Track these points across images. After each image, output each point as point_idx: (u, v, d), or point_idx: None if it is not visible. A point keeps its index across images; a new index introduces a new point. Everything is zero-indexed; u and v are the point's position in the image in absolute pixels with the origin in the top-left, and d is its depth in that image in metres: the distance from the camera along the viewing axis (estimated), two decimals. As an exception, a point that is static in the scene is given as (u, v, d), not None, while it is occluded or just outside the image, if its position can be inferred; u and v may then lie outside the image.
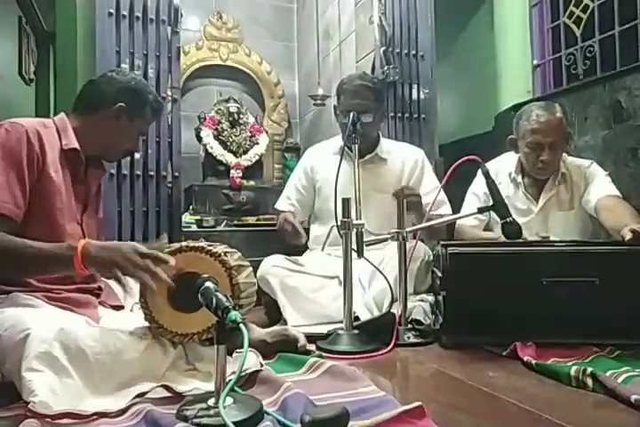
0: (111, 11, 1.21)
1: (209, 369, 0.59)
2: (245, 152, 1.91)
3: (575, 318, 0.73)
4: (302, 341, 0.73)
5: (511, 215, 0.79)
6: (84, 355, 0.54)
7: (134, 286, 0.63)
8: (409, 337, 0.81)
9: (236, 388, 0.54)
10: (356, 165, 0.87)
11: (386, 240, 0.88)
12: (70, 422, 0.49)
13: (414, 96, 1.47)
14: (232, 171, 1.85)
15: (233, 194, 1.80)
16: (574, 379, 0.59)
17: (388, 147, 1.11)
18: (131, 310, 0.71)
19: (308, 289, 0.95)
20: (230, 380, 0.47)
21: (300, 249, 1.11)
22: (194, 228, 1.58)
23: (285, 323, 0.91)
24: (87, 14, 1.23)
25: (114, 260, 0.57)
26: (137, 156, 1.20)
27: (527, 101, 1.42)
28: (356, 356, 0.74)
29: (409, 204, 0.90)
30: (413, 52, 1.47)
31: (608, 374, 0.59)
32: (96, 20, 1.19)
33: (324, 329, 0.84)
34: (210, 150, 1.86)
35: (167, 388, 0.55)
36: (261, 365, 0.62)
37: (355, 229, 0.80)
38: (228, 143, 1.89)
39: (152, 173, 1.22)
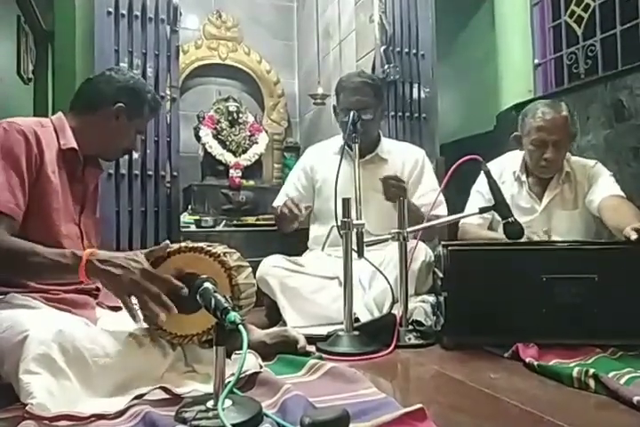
0: (110, 10, 1.20)
1: (208, 371, 0.59)
2: (245, 152, 1.90)
3: (577, 319, 0.73)
4: (302, 342, 0.73)
5: (513, 215, 0.79)
6: (82, 357, 0.54)
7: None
8: (410, 338, 0.81)
9: (235, 390, 0.53)
10: (357, 164, 0.87)
11: (386, 241, 0.87)
12: (68, 424, 0.48)
13: (415, 95, 1.46)
14: (231, 170, 1.84)
15: (232, 194, 1.79)
16: (576, 380, 0.59)
17: (388, 147, 1.11)
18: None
19: (308, 290, 0.95)
20: (229, 382, 0.46)
21: (299, 249, 1.10)
22: (192, 228, 1.57)
23: (285, 324, 0.90)
24: (86, 13, 1.22)
25: (120, 279, 0.56)
26: (135, 155, 1.19)
27: (528, 101, 1.42)
28: (357, 357, 0.74)
29: (394, 190, 0.89)
30: (414, 50, 1.47)
31: (610, 375, 0.58)
32: (95, 19, 1.19)
33: (323, 330, 0.84)
34: (209, 150, 1.86)
35: (166, 390, 0.55)
36: (261, 366, 0.62)
37: (355, 230, 0.80)
38: (228, 143, 1.88)
39: (150, 172, 1.22)
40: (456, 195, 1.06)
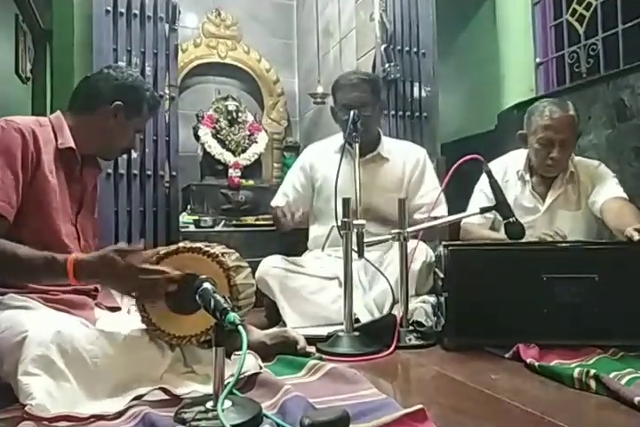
0: (108, 8, 1.19)
1: (207, 372, 0.59)
2: (244, 151, 1.89)
3: (577, 319, 0.73)
4: (302, 343, 0.73)
5: (514, 215, 0.78)
6: (81, 358, 0.54)
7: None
8: (410, 339, 0.81)
9: (235, 391, 0.53)
10: (357, 164, 0.86)
11: (387, 241, 0.87)
12: (67, 424, 0.48)
13: (416, 94, 1.46)
14: (230, 170, 1.84)
15: (231, 193, 1.79)
16: (577, 381, 0.59)
17: (389, 146, 1.11)
18: (127, 312, 0.71)
19: (308, 290, 0.94)
20: (229, 382, 0.46)
21: (299, 250, 1.10)
22: (191, 228, 1.56)
23: (285, 325, 0.90)
24: (84, 12, 1.21)
25: (111, 280, 0.57)
26: (134, 155, 1.19)
27: (530, 100, 1.41)
28: (357, 358, 0.74)
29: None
30: (415, 49, 1.46)
31: (611, 375, 0.58)
32: (93, 18, 1.18)
33: (323, 331, 0.84)
34: (208, 149, 1.85)
35: (165, 390, 0.55)
36: (260, 367, 0.62)
37: (355, 230, 0.80)
38: (227, 142, 1.87)
39: (149, 172, 1.21)
40: (457, 194, 1.05)
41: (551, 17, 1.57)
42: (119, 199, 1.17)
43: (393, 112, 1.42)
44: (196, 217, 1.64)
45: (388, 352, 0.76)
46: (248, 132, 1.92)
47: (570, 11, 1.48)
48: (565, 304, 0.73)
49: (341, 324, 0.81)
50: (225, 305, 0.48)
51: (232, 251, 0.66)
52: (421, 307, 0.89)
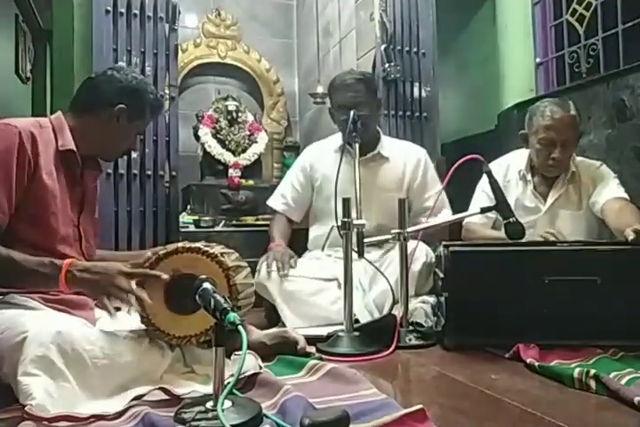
0: (108, 8, 1.19)
1: (207, 372, 0.59)
2: (244, 151, 1.89)
3: (578, 319, 0.73)
4: (302, 343, 0.73)
5: (514, 215, 0.78)
6: (81, 358, 0.54)
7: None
8: (410, 339, 0.81)
9: (235, 391, 0.53)
10: (357, 163, 0.86)
11: (387, 241, 0.87)
12: (67, 424, 0.48)
13: (416, 94, 1.45)
14: (230, 170, 1.84)
15: (231, 193, 1.79)
16: (577, 381, 0.59)
17: (389, 145, 1.10)
18: (127, 313, 0.71)
19: (307, 293, 0.94)
20: (229, 382, 0.46)
21: (299, 250, 1.09)
22: (191, 228, 1.57)
23: (284, 325, 0.90)
24: (84, 12, 1.21)
25: (99, 283, 0.57)
26: (134, 155, 1.18)
27: (530, 100, 1.41)
28: (357, 358, 0.74)
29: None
30: (415, 49, 1.46)
31: (611, 375, 0.58)
32: (93, 18, 1.18)
33: (323, 331, 0.84)
34: (208, 149, 1.85)
35: (165, 390, 0.55)
36: (260, 367, 0.62)
37: (355, 230, 0.79)
38: (227, 142, 1.88)
39: (149, 172, 1.21)
40: (457, 194, 1.05)
41: (551, 17, 1.57)
42: (119, 199, 1.17)
43: (393, 112, 1.42)
44: (196, 217, 1.64)
45: (388, 352, 0.76)
46: (248, 132, 1.92)
47: (570, 11, 1.48)
48: (566, 305, 0.73)
49: (341, 324, 0.81)
50: (225, 305, 0.48)
51: (232, 251, 0.66)
52: (421, 307, 0.89)
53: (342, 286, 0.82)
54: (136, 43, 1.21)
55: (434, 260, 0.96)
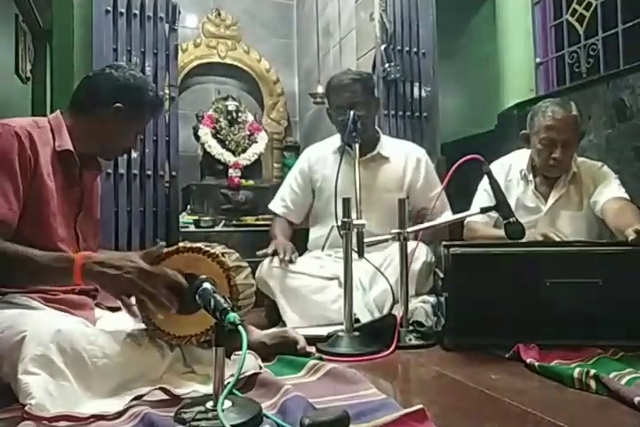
0: (108, 8, 1.20)
1: (207, 372, 0.59)
2: (244, 151, 1.89)
3: (578, 320, 0.73)
4: (302, 343, 0.73)
5: (514, 215, 0.78)
6: (81, 357, 0.54)
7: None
8: (410, 339, 0.81)
9: (235, 391, 0.53)
10: (357, 163, 0.86)
11: (387, 241, 0.87)
12: (67, 424, 0.48)
13: (416, 94, 1.45)
14: (230, 170, 1.84)
15: (231, 193, 1.79)
16: (577, 381, 0.59)
17: (388, 145, 1.11)
18: (127, 312, 0.70)
19: (308, 290, 0.94)
20: (229, 382, 0.46)
21: (299, 250, 1.10)
22: (191, 228, 1.57)
23: (285, 325, 0.90)
24: (84, 12, 1.22)
25: (118, 279, 0.56)
26: (134, 155, 1.19)
27: (530, 100, 1.41)
28: (357, 358, 0.74)
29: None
30: (415, 49, 1.46)
31: (611, 375, 0.58)
32: (93, 18, 1.18)
33: (323, 331, 0.84)
34: (208, 149, 1.85)
35: (165, 390, 0.55)
36: (260, 367, 0.62)
37: (355, 230, 0.80)
38: (227, 142, 1.88)
39: (149, 172, 1.21)
40: (457, 195, 1.05)
41: (551, 17, 1.57)
42: (119, 199, 1.17)
43: (393, 112, 1.42)
44: (196, 217, 1.64)
45: (388, 352, 0.76)
46: (248, 132, 1.92)
47: (570, 11, 1.48)
48: (566, 305, 0.73)
49: (341, 324, 0.81)
50: (225, 305, 0.48)
51: (232, 251, 0.66)
52: (421, 307, 0.89)
53: (342, 285, 0.83)
54: (136, 43, 1.21)
55: (434, 259, 0.96)
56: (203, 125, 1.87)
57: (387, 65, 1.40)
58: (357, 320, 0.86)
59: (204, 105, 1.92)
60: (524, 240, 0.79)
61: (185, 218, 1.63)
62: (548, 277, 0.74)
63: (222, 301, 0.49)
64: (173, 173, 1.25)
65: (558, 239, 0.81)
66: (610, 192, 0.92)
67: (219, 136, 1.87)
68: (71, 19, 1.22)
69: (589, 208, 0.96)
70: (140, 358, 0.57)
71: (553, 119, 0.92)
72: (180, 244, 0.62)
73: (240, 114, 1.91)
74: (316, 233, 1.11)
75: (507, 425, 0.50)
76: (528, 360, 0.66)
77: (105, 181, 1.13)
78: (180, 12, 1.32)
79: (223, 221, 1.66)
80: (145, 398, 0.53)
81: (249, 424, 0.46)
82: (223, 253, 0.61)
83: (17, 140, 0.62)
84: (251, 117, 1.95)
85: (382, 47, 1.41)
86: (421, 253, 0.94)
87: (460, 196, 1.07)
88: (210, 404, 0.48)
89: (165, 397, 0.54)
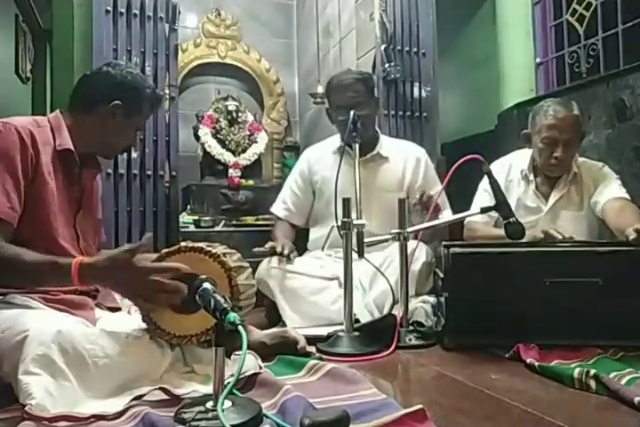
0: (108, 8, 1.20)
1: (207, 371, 0.59)
2: (244, 151, 1.89)
3: (578, 320, 0.73)
4: (302, 343, 0.73)
5: (514, 215, 0.78)
6: (82, 357, 0.54)
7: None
8: (410, 339, 0.81)
9: (235, 391, 0.53)
10: (357, 164, 0.86)
11: (387, 241, 0.87)
12: (67, 424, 0.48)
13: (416, 94, 1.46)
14: (230, 170, 1.84)
15: (231, 193, 1.79)
16: (577, 381, 0.59)
17: (388, 145, 1.11)
18: (128, 312, 0.71)
19: (308, 291, 0.94)
20: (229, 382, 0.46)
21: (299, 250, 1.10)
22: (191, 228, 1.57)
23: (285, 325, 0.90)
24: (84, 12, 1.22)
25: (128, 282, 0.56)
26: (134, 155, 1.19)
27: (530, 100, 1.41)
28: (357, 358, 0.74)
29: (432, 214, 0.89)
30: (415, 49, 1.46)
31: (611, 375, 0.58)
32: (93, 18, 1.18)
33: (323, 331, 0.84)
34: (208, 149, 1.85)
35: (165, 390, 0.55)
36: (260, 367, 0.62)
37: (355, 230, 0.80)
38: (227, 142, 1.87)
39: (149, 172, 1.21)
40: (457, 195, 1.05)
41: (551, 17, 1.57)
42: (119, 199, 1.17)
43: (393, 112, 1.42)
44: (196, 217, 1.64)
45: (388, 352, 0.76)
46: (248, 132, 1.92)
47: (570, 11, 1.48)
48: (567, 306, 0.73)
49: (341, 324, 0.81)
50: (225, 305, 0.48)
51: (233, 251, 0.66)
52: (421, 307, 0.89)
53: (342, 285, 0.83)
54: (136, 43, 1.21)
55: (434, 259, 0.96)
56: (203, 125, 1.87)
57: (387, 65, 1.40)
58: (357, 320, 0.85)
59: (204, 105, 1.92)
60: (524, 240, 0.79)
61: (185, 218, 1.63)
62: (547, 276, 0.74)
63: (222, 301, 0.49)
64: (173, 173, 1.25)
65: (559, 236, 0.81)
66: (610, 192, 0.92)
67: (219, 136, 1.87)
68: (71, 19, 1.22)
69: (590, 208, 0.96)
70: (140, 358, 0.57)
71: (555, 118, 0.92)
72: (182, 243, 0.62)
73: (240, 114, 1.91)
74: (315, 233, 1.11)
75: (507, 425, 0.50)
76: (528, 360, 0.66)
77: (105, 181, 1.13)
78: (179, 12, 1.32)
79: (223, 221, 1.66)
80: (145, 398, 0.54)
81: (249, 424, 0.46)
82: (225, 254, 0.62)
83: (19, 138, 0.62)
84: (251, 117, 1.95)
85: (382, 47, 1.41)
86: (421, 254, 0.94)
87: (460, 196, 1.07)
88: (210, 404, 0.48)
89: (165, 397, 0.54)
